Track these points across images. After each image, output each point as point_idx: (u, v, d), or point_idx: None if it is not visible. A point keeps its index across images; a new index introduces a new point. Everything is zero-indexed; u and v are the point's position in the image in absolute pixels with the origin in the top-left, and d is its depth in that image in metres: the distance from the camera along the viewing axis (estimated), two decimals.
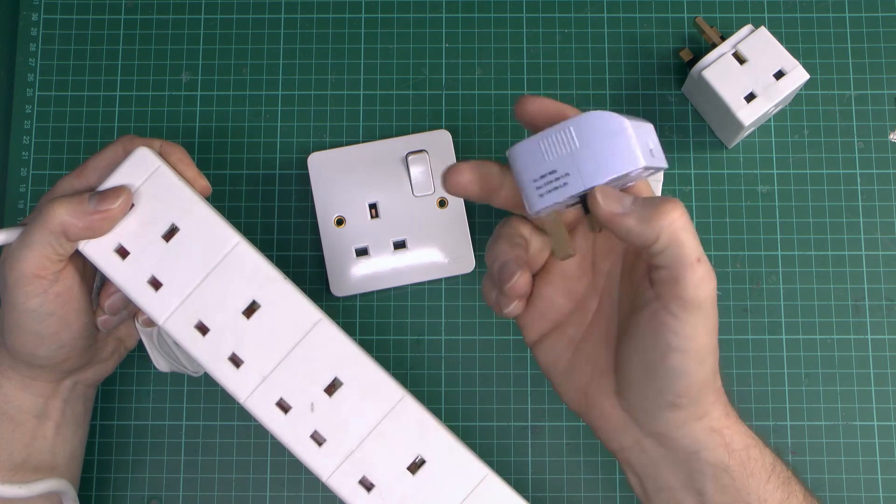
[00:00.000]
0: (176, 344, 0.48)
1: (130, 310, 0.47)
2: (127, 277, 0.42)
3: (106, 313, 0.45)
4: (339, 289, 0.55)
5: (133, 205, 0.42)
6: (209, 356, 0.42)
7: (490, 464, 0.56)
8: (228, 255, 0.42)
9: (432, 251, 0.55)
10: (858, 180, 0.57)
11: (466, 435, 0.55)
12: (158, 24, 0.59)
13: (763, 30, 0.53)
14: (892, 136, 0.57)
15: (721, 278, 0.56)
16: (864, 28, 0.58)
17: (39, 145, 0.58)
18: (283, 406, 0.42)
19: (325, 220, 0.55)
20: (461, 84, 0.58)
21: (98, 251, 0.42)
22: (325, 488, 0.54)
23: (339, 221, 0.55)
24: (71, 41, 0.59)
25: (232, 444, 0.55)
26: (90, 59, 0.59)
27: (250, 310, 0.42)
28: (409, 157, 0.55)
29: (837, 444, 0.54)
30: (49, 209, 0.41)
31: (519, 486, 0.54)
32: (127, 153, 0.42)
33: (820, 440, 0.54)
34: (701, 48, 0.56)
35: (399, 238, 0.55)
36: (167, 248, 0.42)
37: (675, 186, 0.57)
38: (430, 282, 0.56)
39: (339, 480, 0.42)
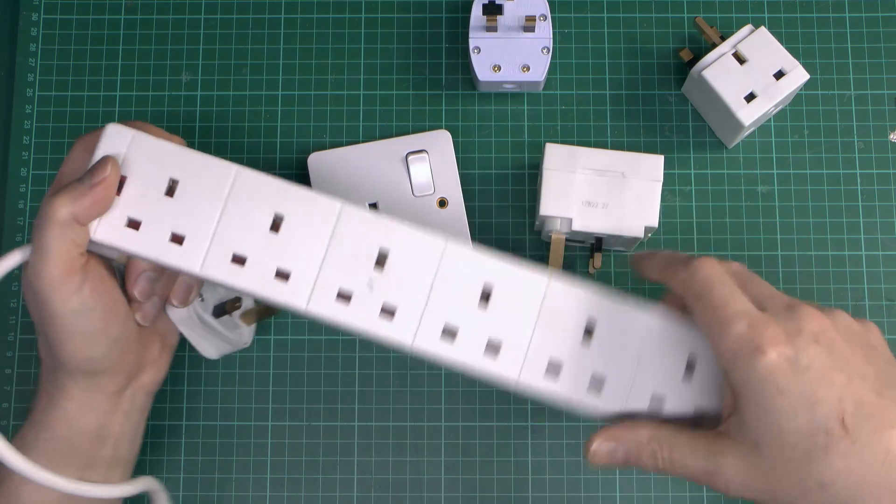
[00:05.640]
0: (216, 319, 0.48)
1: (162, 293, 0.46)
2: (148, 244, 0.42)
3: (139, 300, 0.45)
4: None
5: (125, 177, 0.42)
6: (256, 282, 0.42)
7: (490, 464, 0.56)
8: (234, 184, 0.42)
9: None
10: (858, 180, 0.57)
11: (466, 435, 0.55)
12: (158, 24, 0.59)
13: (763, 30, 0.53)
14: (892, 136, 0.57)
15: None
16: (864, 28, 0.58)
17: (39, 145, 0.58)
18: (345, 296, 0.42)
19: None
20: (461, 84, 0.58)
21: (111, 232, 0.42)
22: (325, 488, 0.55)
23: None
24: (71, 41, 0.59)
25: (232, 444, 0.55)
26: (90, 59, 0.59)
27: (276, 225, 0.42)
28: (409, 157, 0.55)
29: None
30: (49, 208, 0.41)
31: (519, 487, 0.54)
32: (89, 149, 0.43)
33: None
34: (701, 48, 0.56)
35: None
36: (175, 202, 0.42)
37: (675, 186, 0.57)
38: None
39: (424, 338, 0.42)
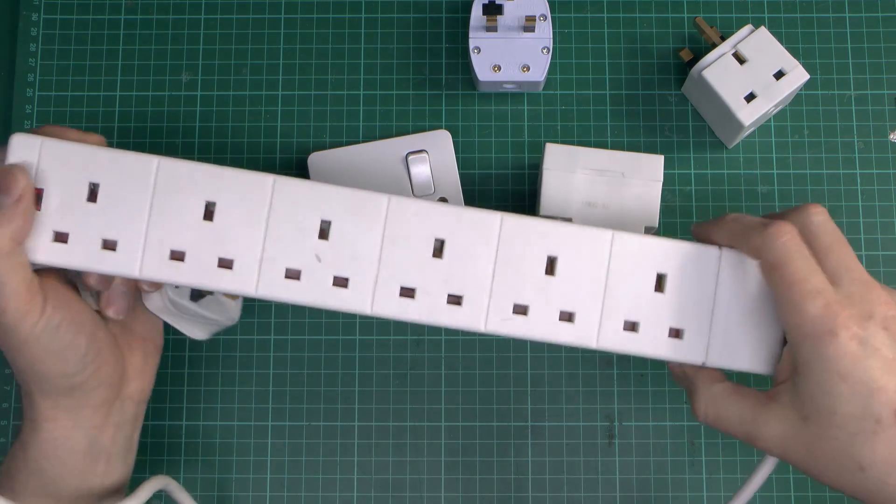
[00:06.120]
0: (196, 303, 0.47)
1: (127, 284, 0.45)
2: (81, 256, 0.40)
3: (97, 290, 0.43)
4: None
5: (41, 189, 0.40)
6: (200, 275, 0.41)
7: (490, 464, 0.56)
8: (158, 177, 0.41)
9: None
10: (858, 180, 0.57)
11: (466, 435, 0.55)
12: (158, 24, 0.59)
13: (763, 30, 0.53)
14: (892, 136, 0.57)
15: None
16: (864, 28, 0.58)
17: None
18: (293, 273, 0.41)
19: None
20: (461, 84, 0.58)
21: (41, 252, 0.40)
22: (325, 488, 0.55)
23: None
24: (71, 41, 0.59)
25: (232, 444, 0.55)
26: (90, 59, 0.59)
27: (209, 212, 0.41)
28: (409, 157, 0.55)
29: None
30: None
31: (519, 487, 0.54)
32: None
33: None
34: (701, 48, 0.56)
35: None
36: (99, 207, 0.40)
37: (675, 186, 0.57)
38: None
39: (382, 302, 0.41)
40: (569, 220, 0.51)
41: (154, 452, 0.55)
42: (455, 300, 0.41)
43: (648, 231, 0.51)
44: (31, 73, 0.58)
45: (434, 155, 0.56)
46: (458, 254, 0.41)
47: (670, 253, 0.42)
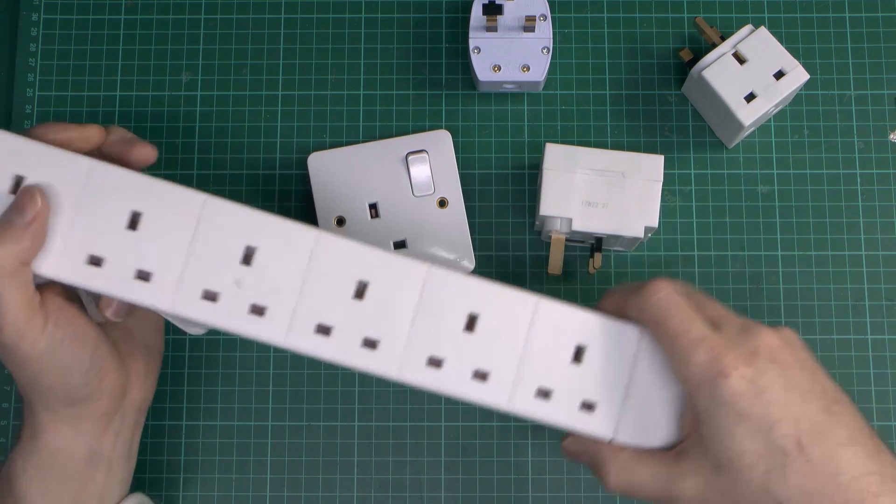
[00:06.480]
0: None
1: None
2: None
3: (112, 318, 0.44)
4: None
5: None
6: (114, 285, 0.40)
7: (490, 464, 0.56)
8: (87, 178, 0.40)
9: (432, 251, 0.55)
10: (858, 180, 0.57)
11: (467, 435, 0.55)
12: (158, 24, 0.59)
13: (763, 30, 0.53)
14: (892, 136, 0.57)
15: (721, 278, 0.56)
16: (864, 28, 0.58)
17: None
18: (211, 295, 0.40)
19: (325, 220, 0.55)
20: (461, 84, 0.58)
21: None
22: (325, 488, 0.55)
23: (340, 221, 0.55)
24: (71, 41, 0.59)
25: (232, 444, 0.55)
26: (90, 59, 0.59)
27: (134, 223, 0.40)
28: (409, 157, 0.55)
29: None
30: None
31: (519, 487, 0.54)
32: None
33: None
34: (701, 48, 0.56)
35: (399, 238, 0.55)
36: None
37: (675, 186, 0.57)
38: None
39: (298, 337, 0.40)
40: (569, 220, 0.51)
41: (154, 453, 0.55)
42: (371, 344, 0.40)
43: (648, 231, 0.51)
44: (31, 73, 0.58)
45: (434, 155, 0.56)
46: (380, 299, 0.40)
47: (593, 326, 0.41)
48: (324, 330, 0.40)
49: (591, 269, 0.53)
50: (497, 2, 0.55)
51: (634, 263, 0.56)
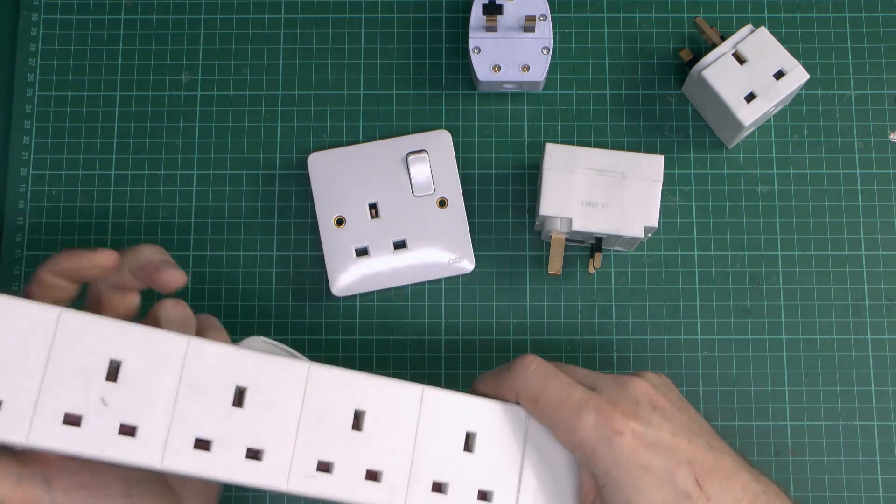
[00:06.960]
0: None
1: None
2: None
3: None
4: (339, 289, 0.55)
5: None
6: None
7: None
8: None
9: (432, 251, 0.55)
10: (858, 180, 0.57)
11: None
12: (158, 24, 0.59)
13: (763, 30, 0.53)
14: (892, 136, 0.57)
15: (721, 278, 0.56)
16: (864, 28, 0.58)
17: (39, 145, 0.58)
18: (73, 419, 0.36)
19: (325, 220, 0.55)
20: (461, 84, 0.58)
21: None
22: None
23: (339, 221, 0.55)
24: (71, 41, 0.59)
25: None
26: (90, 59, 0.59)
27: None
28: (409, 157, 0.55)
29: (837, 444, 0.54)
30: None
31: None
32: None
33: (820, 440, 0.54)
34: (701, 48, 0.56)
35: (399, 238, 0.55)
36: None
37: (675, 186, 0.57)
38: (430, 282, 0.56)
39: (173, 455, 0.36)
40: (569, 220, 0.51)
41: None
42: (255, 454, 0.38)
43: (648, 231, 0.51)
44: (31, 73, 0.58)
45: (434, 155, 0.56)
46: (261, 404, 0.38)
47: (479, 411, 0.41)
48: (203, 444, 0.37)
49: (590, 269, 0.53)
50: (497, 2, 0.55)
51: (634, 263, 0.56)
